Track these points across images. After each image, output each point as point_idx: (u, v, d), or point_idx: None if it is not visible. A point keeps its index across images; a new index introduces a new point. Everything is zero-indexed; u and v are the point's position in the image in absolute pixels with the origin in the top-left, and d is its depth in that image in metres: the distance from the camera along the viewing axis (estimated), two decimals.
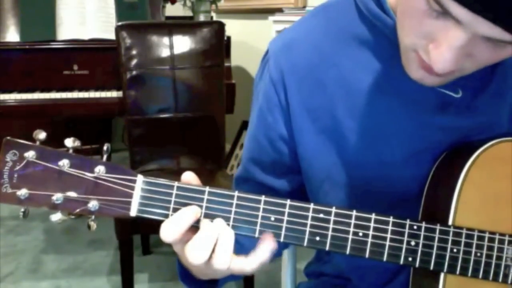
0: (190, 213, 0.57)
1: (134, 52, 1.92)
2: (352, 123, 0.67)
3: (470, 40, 0.49)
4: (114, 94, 2.20)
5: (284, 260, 1.51)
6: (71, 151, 0.57)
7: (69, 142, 0.57)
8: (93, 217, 0.58)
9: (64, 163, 0.55)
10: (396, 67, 0.64)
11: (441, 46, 0.51)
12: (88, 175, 0.56)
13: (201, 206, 0.58)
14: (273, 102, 0.72)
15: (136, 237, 2.21)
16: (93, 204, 0.56)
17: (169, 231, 0.56)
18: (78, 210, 0.56)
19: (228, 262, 0.56)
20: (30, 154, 0.55)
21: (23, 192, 0.55)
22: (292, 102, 0.70)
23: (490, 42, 0.49)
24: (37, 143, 0.56)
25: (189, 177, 0.60)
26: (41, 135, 0.56)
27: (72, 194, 0.56)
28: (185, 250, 0.56)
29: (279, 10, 2.41)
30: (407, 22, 0.55)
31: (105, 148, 0.59)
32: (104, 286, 2.12)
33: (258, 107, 0.75)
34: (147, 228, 1.87)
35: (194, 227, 0.57)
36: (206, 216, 0.58)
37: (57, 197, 0.56)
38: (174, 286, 2.11)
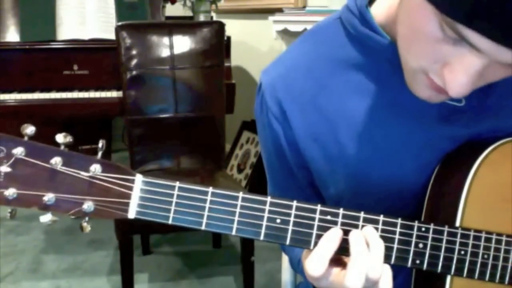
0: (332, 243, 0.56)
1: (134, 52, 1.92)
2: (357, 145, 0.66)
3: (487, 65, 0.49)
4: (114, 94, 2.20)
5: (284, 260, 1.51)
6: (62, 147, 0.52)
7: (60, 138, 0.53)
8: (86, 218, 0.54)
9: (57, 161, 0.51)
10: (393, 84, 0.63)
11: (457, 71, 0.50)
12: (83, 174, 0.52)
13: (203, 208, 0.55)
14: (279, 135, 0.71)
15: (136, 237, 2.21)
16: (88, 205, 0.52)
17: (316, 267, 0.55)
18: (72, 212, 0.53)
19: None
20: (19, 151, 0.51)
21: (10, 192, 0.51)
22: (298, 131, 0.69)
23: (507, 65, 0.49)
24: (26, 138, 0.52)
25: None
26: (29, 129, 0.51)
27: (65, 194, 0.52)
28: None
29: (279, 10, 2.41)
30: (416, 46, 0.53)
31: (100, 145, 0.54)
32: (104, 286, 2.12)
33: (266, 142, 0.74)
34: (147, 228, 1.87)
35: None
36: (209, 218, 0.55)
37: (49, 197, 0.52)
38: (174, 286, 2.11)
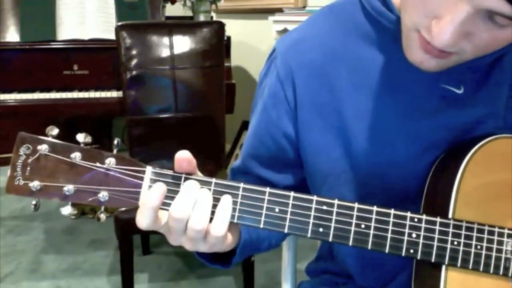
0: (156, 193, 0.56)
1: (134, 52, 1.92)
2: (359, 121, 0.68)
3: (472, 16, 0.51)
4: (114, 94, 2.20)
5: (284, 260, 1.51)
6: (82, 145, 0.58)
7: (81, 137, 0.58)
8: (102, 208, 0.60)
9: (76, 156, 0.57)
10: (401, 64, 0.65)
11: (443, 21, 0.52)
12: (99, 166, 0.57)
13: None
14: (279, 98, 0.73)
15: (136, 237, 2.21)
16: (103, 195, 0.57)
17: (143, 218, 0.56)
18: (88, 200, 0.57)
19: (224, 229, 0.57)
20: (43, 148, 0.56)
21: (35, 184, 0.56)
22: (301, 99, 0.71)
23: (490, 22, 0.51)
24: (50, 138, 0.57)
25: (184, 155, 0.59)
26: (54, 131, 0.58)
27: (82, 185, 0.57)
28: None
29: (279, 10, 2.41)
30: (411, 2, 0.56)
31: (115, 142, 0.61)
32: (104, 286, 2.12)
33: (262, 103, 0.76)
34: None
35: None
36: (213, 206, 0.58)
37: (68, 188, 0.57)
38: (174, 286, 2.11)
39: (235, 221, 0.59)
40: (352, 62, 0.69)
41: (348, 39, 0.70)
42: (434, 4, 0.53)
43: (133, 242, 1.77)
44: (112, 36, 2.07)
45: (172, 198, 0.58)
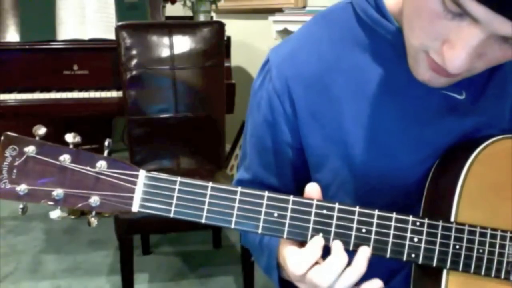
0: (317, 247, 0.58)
1: (134, 52, 1.92)
2: (359, 130, 0.67)
3: (485, 40, 0.49)
4: (114, 94, 2.20)
5: None
6: (71, 146, 0.56)
7: (70, 137, 0.56)
8: (93, 213, 0.57)
9: (65, 158, 0.55)
10: (397, 73, 0.64)
11: (456, 46, 0.51)
12: (90, 170, 0.55)
13: (203, 202, 0.57)
14: (278, 112, 0.71)
15: (136, 237, 2.21)
16: (94, 200, 0.55)
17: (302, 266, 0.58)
18: (79, 206, 0.55)
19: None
20: (30, 149, 0.54)
21: (22, 188, 0.54)
22: (299, 110, 0.70)
23: (504, 43, 0.50)
24: (37, 138, 0.55)
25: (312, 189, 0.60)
26: (41, 130, 0.55)
27: (72, 189, 0.55)
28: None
29: (279, 10, 2.41)
30: (418, 23, 0.54)
31: (106, 143, 0.58)
32: (104, 286, 2.12)
33: (262, 117, 0.74)
34: (147, 228, 1.87)
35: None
36: (209, 212, 0.57)
37: (57, 192, 0.55)
38: (174, 286, 2.11)
39: (232, 226, 0.58)
40: (348, 71, 0.68)
41: (343, 48, 0.68)
42: (444, 27, 0.51)
43: (133, 242, 1.77)
44: (112, 36, 2.07)
45: (169, 203, 0.57)
